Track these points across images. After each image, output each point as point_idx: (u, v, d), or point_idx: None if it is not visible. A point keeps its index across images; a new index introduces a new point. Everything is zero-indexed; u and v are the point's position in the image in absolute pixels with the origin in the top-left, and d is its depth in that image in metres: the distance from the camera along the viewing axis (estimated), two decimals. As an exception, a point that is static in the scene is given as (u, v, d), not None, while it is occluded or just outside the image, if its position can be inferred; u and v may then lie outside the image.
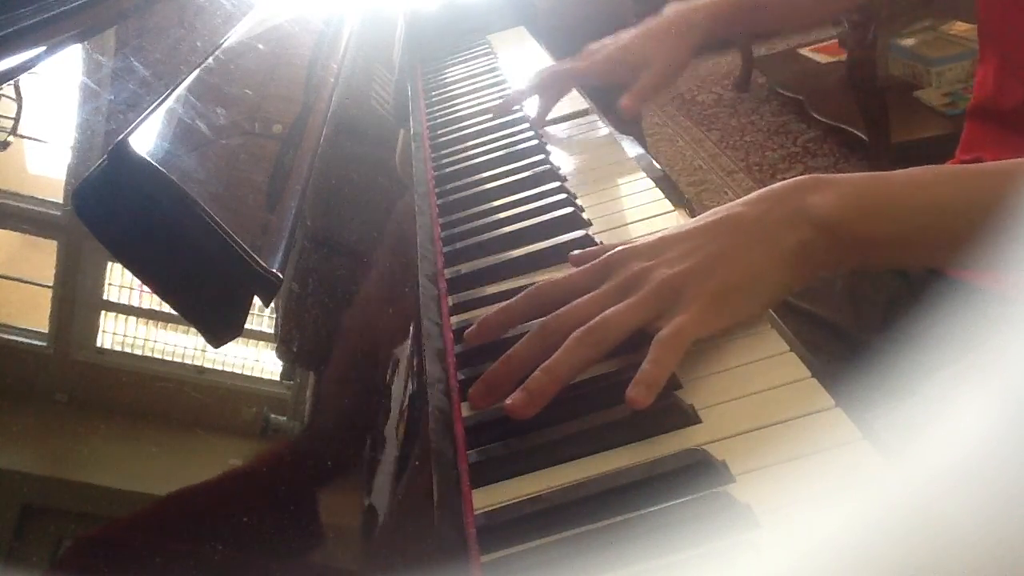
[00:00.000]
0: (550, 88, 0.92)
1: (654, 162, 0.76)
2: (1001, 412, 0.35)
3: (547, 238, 0.65)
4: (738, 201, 0.52)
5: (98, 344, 0.35)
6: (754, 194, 0.52)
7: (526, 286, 0.54)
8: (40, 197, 0.39)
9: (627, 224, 0.67)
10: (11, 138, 0.39)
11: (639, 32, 0.88)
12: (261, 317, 0.40)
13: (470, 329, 0.53)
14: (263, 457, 0.36)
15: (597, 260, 0.53)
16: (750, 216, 0.50)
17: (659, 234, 0.52)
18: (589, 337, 0.47)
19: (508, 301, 0.53)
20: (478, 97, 1.03)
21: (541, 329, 0.49)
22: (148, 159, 0.37)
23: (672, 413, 0.44)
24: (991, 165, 0.50)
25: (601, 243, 0.61)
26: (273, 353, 0.41)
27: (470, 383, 0.50)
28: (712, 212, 0.52)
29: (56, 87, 0.44)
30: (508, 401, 0.46)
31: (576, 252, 0.57)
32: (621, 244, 0.53)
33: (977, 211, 0.47)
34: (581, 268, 0.53)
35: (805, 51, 2.84)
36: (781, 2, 0.92)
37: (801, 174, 0.55)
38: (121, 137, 0.37)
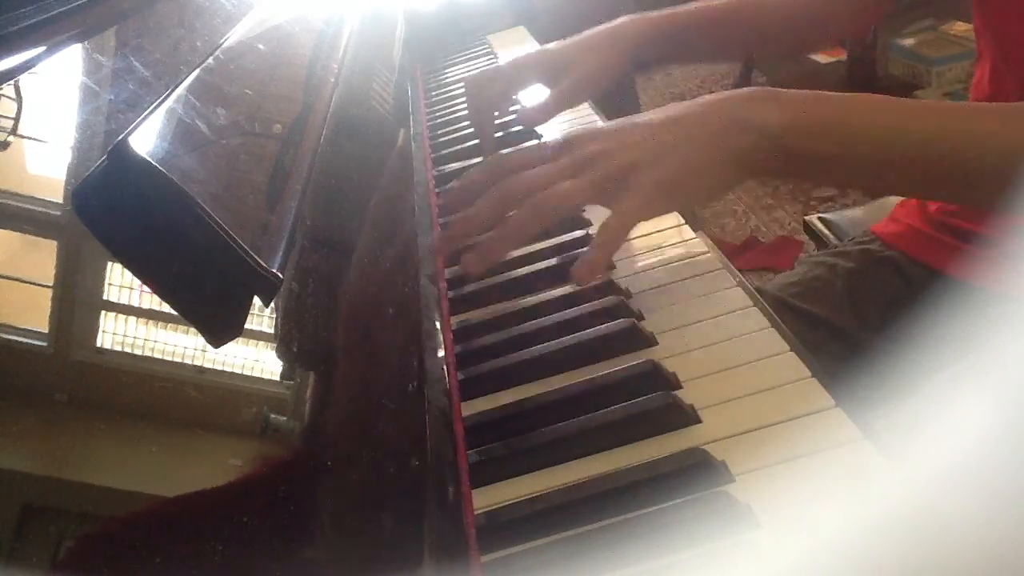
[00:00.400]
0: (486, 106, 0.83)
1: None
2: (1001, 412, 0.35)
3: (547, 238, 0.65)
4: (695, 100, 0.55)
5: (98, 344, 0.35)
6: (710, 96, 0.55)
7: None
8: (40, 197, 0.39)
9: (627, 224, 0.67)
10: (11, 138, 0.39)
11: (580, 37, 0.81)
12: (261, 317, 0.40)
13: (444, 199, 0.59)
14: (262, 456, 0.36)
15: (557, 139, 0.57)
16: (702, 117, 0.54)
17: (616, 121, 0.56)
18: (545, 202, 0.52)
19: (470, 172, 0.58)
20: (478, 97, 1.03)
21: (499, 190, 0.54)
22: (148, 159, 0.37)
23: (672, 413, 0.44)
24: (940, 104, 0.57)
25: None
26: (273, 353, 0.41)
27: (470, 383, 0.50)
28: (670, 106, 0.56)
29: (56, 87, 0.44)
30: (462, 260, 0.52)
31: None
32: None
33: (915, 143, 0.51)
34: (542, 144, 0.57)
35: (805, 51, 2.84)
36: (748, 27, 0.85)
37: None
38: (121, 137, 0.37)
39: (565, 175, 0.53)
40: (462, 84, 1.09)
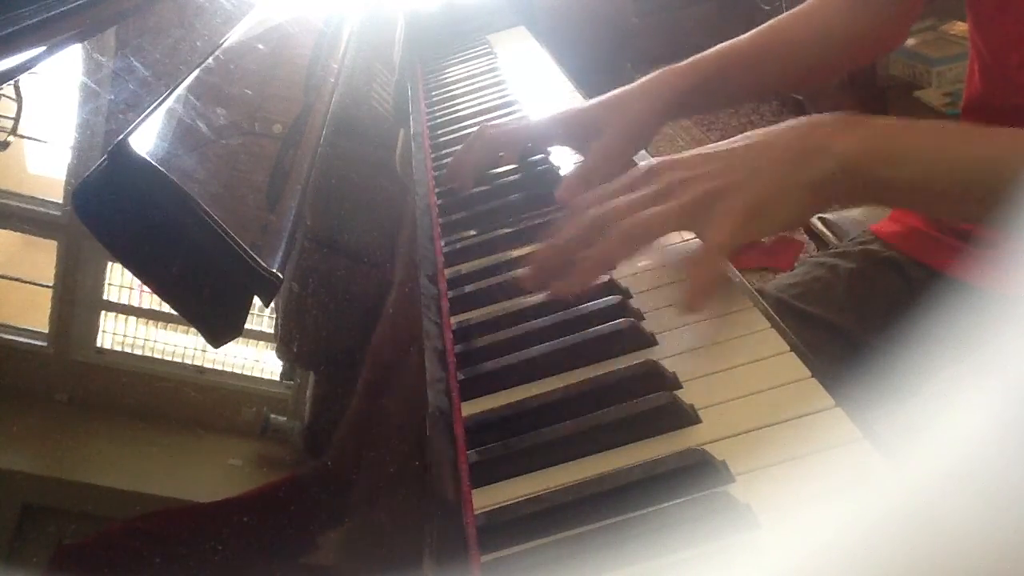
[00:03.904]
0: (491, 149, 0.79)
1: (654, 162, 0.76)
2: (1002, 413, 0.35)
3: (547, 238, 0.65)
4: (771, 128, 0.55)
5: (98, 344, 0.35)
6: (787, 123, 0.55)
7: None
8: (40, 197, 0.39)
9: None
10: (11, 138, 0.39)
11: (610, 95, 0.77)
12: (261, 317, 0.40)
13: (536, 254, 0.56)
14: (262, 456, 0.36)
15: (639, 169, 0.56)
16: (781, 143, 0.54)
17: (696, 150, 0.56)
18: (634, 230, 0.51)
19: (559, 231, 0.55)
20: (478, 97, 1.03)
21: (586, 217, 0.53)
22: (148, 159, 0.37)
23: (672, 413, 0.44)
24: (1016, 130, 0.53)
25: None
26: (273, 353, 0.41)
27: (470, 383, 0.50)
28: (745, 136, 0.56)
29: (56, 87, 0.44)
30: (552, 285, 0.51)
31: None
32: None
33: (994, 170, 0.50)
34: (624, 176, 0.56)
35: (805, 51, 2.83)
36: (777, 64, 0.82)
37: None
38: (121, 137, 0.37)
39: (650, 203, 0.52)
40: (463, 84, 1.09)
